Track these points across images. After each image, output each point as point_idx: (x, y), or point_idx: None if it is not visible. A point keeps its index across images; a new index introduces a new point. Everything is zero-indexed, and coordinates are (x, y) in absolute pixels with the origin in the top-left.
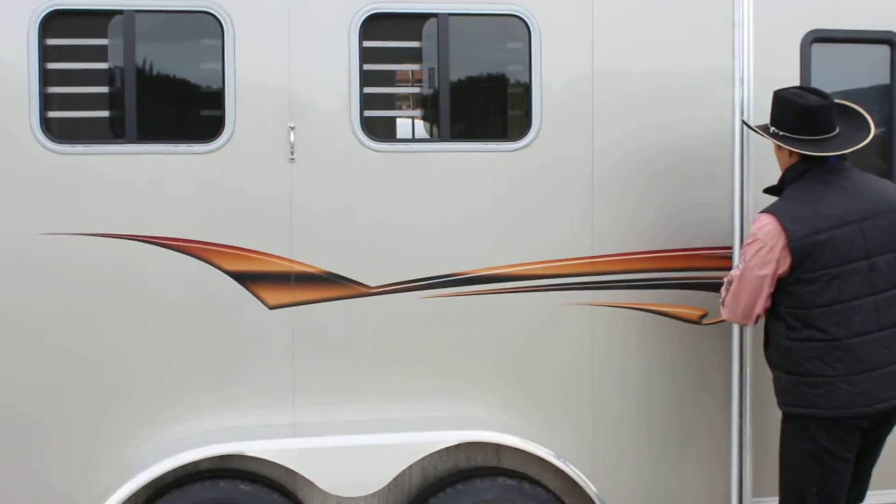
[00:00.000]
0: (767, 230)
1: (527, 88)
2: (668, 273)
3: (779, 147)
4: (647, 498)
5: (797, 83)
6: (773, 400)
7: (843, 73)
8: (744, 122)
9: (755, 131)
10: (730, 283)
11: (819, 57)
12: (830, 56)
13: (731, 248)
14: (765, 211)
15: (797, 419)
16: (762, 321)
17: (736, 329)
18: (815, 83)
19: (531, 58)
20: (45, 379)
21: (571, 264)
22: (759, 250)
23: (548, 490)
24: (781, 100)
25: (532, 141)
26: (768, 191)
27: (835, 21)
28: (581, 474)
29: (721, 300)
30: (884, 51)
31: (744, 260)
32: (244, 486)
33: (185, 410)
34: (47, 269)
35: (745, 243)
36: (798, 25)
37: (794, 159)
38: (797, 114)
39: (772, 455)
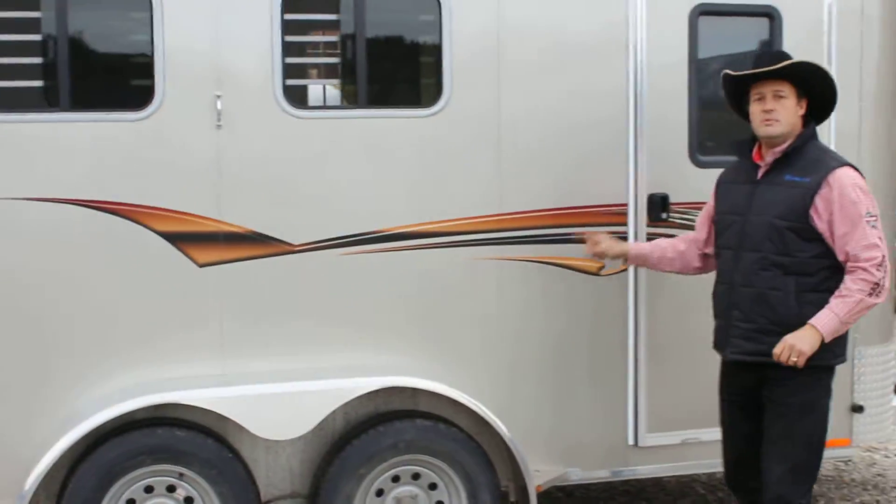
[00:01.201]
0: (862, 178)
1: (438, 59)
2: (568, 229)
3: (797, 110)
4: (551, 435)
5: (685, 52)
6: (665, 343)
7: (727, 43)
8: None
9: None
10: (879, 264)
11: (705, 28)
12: (716, 27)
13: (625, 204)
14: (840, 166)
15: (831, 370)
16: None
17: (631, 278)
18: (702, 52)
19: (441, 30)
20: None
21: (480, 221)
22: (872, 196)
23: (461, 430)
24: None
25: (443, 107)
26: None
27: None
28: (491, 415)
29: (880, 286)
30: (764, 23)
31: (872, 216)
32: (180, 433)
33: (121, 364)
34: None
35: (846, 203)
36: None
37: (802, 124)
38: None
39: (666, 393)
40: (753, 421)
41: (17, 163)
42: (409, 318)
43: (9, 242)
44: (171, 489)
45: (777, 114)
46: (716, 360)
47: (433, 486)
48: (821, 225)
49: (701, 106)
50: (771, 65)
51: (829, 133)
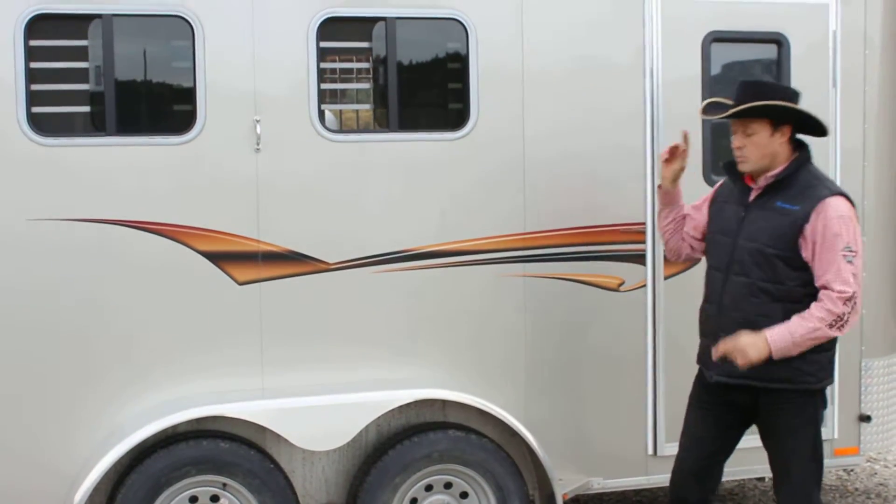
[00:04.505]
0: (852, 209)
1: (464, 84)
2: (589, 247)
3: (776, 140)
4: (574, 445)
5: (699, 77)
6: (683, 356)
7: (737, 68)
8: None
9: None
10: (848, 299)
11: (717, 54)
12: (727, 53)
13: (643, 223)
14: (831, 195)
15: (821, 393)
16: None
17: (650, 293)
18: (714, 76)
19: (468, 57)
20: (29, 354)
21: (505, 240)
22: (858, 230)
23: (491, 440)
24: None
25: (470, 131)
26: (776, 178)
27: (730, 23)
28: (519, 425)
29: (843, 320)
30: (772, 49)
31: (850, 251)
32: (224, 444)
33: (165, 379)
34: (35, 252)
35: (828, 235)
36: (699, 26)
37: (791, 149)
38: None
39: (684, 404)
40: (730, 433)
41: (66, 185)
42: (438, 332)
43: (57, 261)
44: (214, 499)
45: (746, 150)
46: None
47: (464, 495)
48: (806, 254)
49: (713, 128)
50: (744, 99)
51: (833, 153)
